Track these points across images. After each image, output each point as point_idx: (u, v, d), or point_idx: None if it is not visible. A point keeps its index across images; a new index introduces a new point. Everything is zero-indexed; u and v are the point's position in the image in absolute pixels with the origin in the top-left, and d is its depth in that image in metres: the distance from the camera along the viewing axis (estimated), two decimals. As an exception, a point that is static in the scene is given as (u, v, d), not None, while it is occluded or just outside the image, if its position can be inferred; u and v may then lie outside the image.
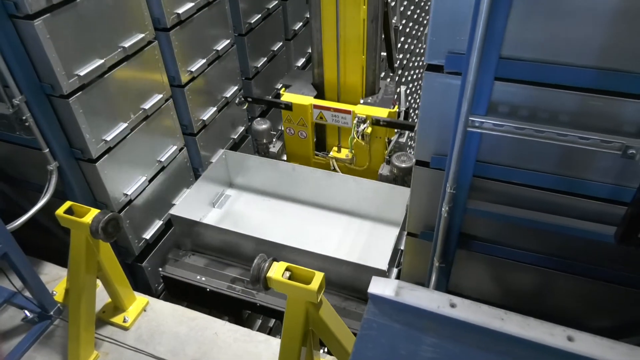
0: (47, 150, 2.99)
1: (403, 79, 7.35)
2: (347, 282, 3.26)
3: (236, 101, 4.31)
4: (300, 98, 4.04)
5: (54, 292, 3.30)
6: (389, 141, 4.01)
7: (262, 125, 4.29)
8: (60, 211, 2.64)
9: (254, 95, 4.83)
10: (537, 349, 1.39)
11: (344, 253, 3.51)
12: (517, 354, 1.40)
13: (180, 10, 3.41)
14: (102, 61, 2.96)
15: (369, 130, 3.77)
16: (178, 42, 3.49)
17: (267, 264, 2.26)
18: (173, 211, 3.62)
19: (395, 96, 4.10)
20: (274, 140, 4.44)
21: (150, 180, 3.62)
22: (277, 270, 2.24)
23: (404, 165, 3.78)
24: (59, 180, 3.12)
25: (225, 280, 3.53)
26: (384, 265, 3.02)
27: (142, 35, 3.18)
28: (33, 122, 2.87)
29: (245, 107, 4.44)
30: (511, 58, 1.79)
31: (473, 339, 1.44)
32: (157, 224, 3.82)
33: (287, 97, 4.07)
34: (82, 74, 2.85)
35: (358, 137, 3.82)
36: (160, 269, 3.69)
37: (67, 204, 2.68)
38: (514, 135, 1.84)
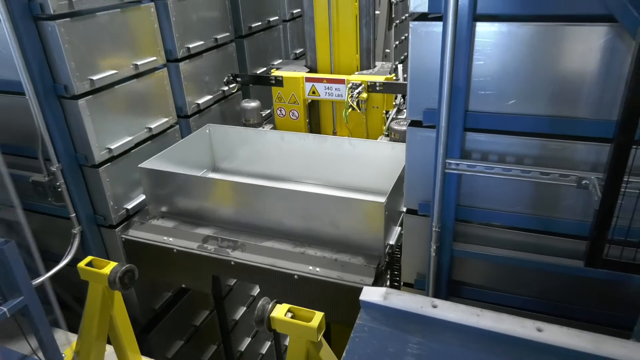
0: (74, 214, 3.30)
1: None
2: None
3: (224, 80, 4.20)
4: (291, 73, 3.94)
5: (63, 355, 3.37)
6: (387, 115, 3.82)
7: (250, 103, 4.11)
8: (82, 264, 2.85)
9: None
10: (510, 343, 1.54)
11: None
12: (492, 348, 1.54)
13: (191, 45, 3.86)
14: (130, 138, 3.40)
15: (365, 95, 3.61)
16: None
17: (270, 305, 2.41)
18: (143, 165, 3.34)
19: (393, 73, 3.96)
20: (263, 123, 4.28)
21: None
22: (280, 311, 2.39)
23: (405, 128, 3.43)
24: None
25: (196, 240, 3.16)
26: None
27: (166, 119, 3.66)
28: (65, 189, 3.22)
29: (235, 89, 4.32)
30: (476, 111, 2.14)
31: (453, 336, 1.59)
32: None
33: (277, 73, 3.98)
34: (112, 147, 3.27)
35: (353, 103, 3.60)
36: (122, 235, 3.38)
37: (88, 258, 2.90)
38: (484, 175, 2.13)
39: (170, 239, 3.20)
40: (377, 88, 3.62)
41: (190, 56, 3.89)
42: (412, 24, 2.10)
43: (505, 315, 1.58)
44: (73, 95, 3.01)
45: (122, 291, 2.84)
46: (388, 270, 2.98)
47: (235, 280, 4.63)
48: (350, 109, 3.67)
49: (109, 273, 2.79)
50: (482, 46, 2.02)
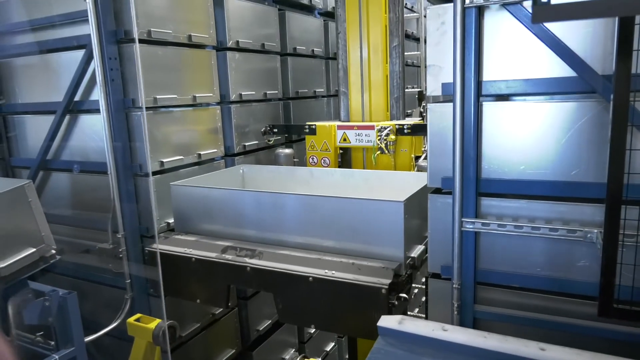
0: (129, 281, 3.64)
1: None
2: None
3: (261, 130, 4.58)
4: (324, 122, 4.39)
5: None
6: (417, 160, 3.90)
7: (285, 150, 4.50)
8: (131, 319, 3.12)
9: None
10: (516, 362, 1.64)
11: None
12: (500, 367, 1.64)
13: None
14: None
15: (393, 137, 3.79)
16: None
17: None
18: (174, 183, 3.54)
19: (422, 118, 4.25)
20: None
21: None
22: (307, 364, 2.50)
23: None
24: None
25: (215, 250, 3.20)
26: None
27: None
28: (125, 256, 3.61)
29: (271, 140, 4.64)
30: (488, 178, 2.43)
31: (462, 357, 1.71)
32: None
33: (311, 122, 4.42)
34: (170, 221, 3.71)
35: (382, 144, 3.78)
36: (145, 248, 3.50)
37: (137, 315, 3.18)
38: (497, 232, 2.34)
39: (191, 250, 3.26)
40: (405, 131, 3.85)
41: (242, 102, 4.52)
42: (429, 105, 2.53)
43: (510, 337, 1.70)
44: (146, 173, 3.56)
45: (164, 346, 3.05)
46: (409, 285, 2.86)
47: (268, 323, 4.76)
48: (378, 151, 3.85)
49: (154, 328, 3.03)
50: (488, 120, 2.38)
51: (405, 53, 5.55)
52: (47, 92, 3.94)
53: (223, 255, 3.13)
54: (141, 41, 3.49)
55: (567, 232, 2.21)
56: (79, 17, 3.51)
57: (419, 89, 7.03)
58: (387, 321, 1.90)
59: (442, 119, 2.49)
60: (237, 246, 3.17)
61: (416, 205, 2.90)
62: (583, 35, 2.15)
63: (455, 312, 2.48)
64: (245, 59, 4.56)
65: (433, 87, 2.48)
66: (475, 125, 2.38)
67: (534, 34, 2.21)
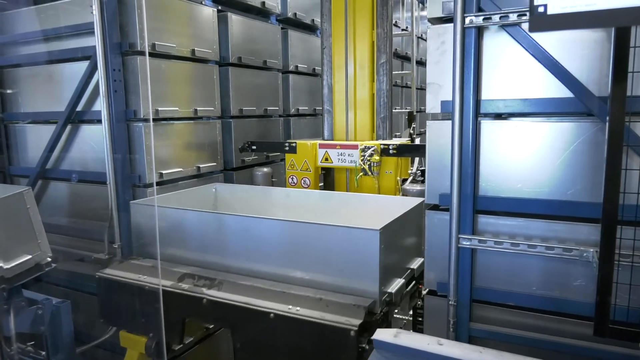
0: (124, 292, 3.61)
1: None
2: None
3: (239, 147, 4.34)
4: (305, 140, 4.13)
5: None
6: (403, 183, 3.64)
7: (262, 170, 4.25)
8: (124, 331, 3.09)
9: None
10: (512, 378, 1.63)
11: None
12: (495, 383, 1.64)
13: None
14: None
15: (377, 157, 3.56)
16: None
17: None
18: (135, 202, 3.24)
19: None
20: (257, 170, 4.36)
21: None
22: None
23: (418, 188, 3.32)
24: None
25: (172, 278, 2.84)
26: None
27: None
28: (121, 266, 3.59)
29: (250, 157, 4.45)
30: (485, 196, 2.45)
31: (458, 372, 1.70)
32: None
33: (291, 141, 4.15)
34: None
35: (365, 166, 3.53)
36: (96, 273, 3.10)
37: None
38: (493, 249, 2.34)
39: (145, 277, 2.90)
40: (391, 151, 3.61)
41: (242, 117, 4.56)
42: (428, 123, 2.56)
43: (506, 353, 1.69)
44: (145, 184, 3.57)
45: (155, 358, 3.01)
46: (385, 324, 2.52)
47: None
48: (361, 173, 3.63)
49: (146, 340, 3.00)
50: (486, 138, 2.41)
51: (395, 72, 5.64)
52: (49, 101, 3.97)
53: (179, 284, 2.80)
54: (143, 53, 3.54)
55: (563, 251, 2.22)
56: (85, 29, 3.57)
57: (409, 110, 7.02)
58: (382, 334, 1.89)
59: (440, 135, 2.52)
60: (196, 274, 2.83)
61: (397, 233, 2.66)
62: (580, 57, 2.20)
63: (451, 330, 2.47)
64: (247, 75, 4.62)
65: (432, 105, 2.52)
66: (474, 143, 2.41)
67: (531, 54, 2.26)
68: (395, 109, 6.51)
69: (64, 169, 3.96)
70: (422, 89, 7.81)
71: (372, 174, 3.61)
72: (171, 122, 3.86)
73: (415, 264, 3.00)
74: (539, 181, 2.35)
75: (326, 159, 3.94)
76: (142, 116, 3.57)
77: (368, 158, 3.57)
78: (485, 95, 2.40)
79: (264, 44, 4.85)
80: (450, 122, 2.44)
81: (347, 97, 4.21)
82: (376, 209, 3.23)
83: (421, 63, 7.83)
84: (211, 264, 2.94)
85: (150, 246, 3.16)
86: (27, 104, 4.17)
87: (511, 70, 2.35)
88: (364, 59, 4.14)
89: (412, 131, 4.25)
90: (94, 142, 3.73)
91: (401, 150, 3.66)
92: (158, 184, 3.73)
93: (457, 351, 1.74)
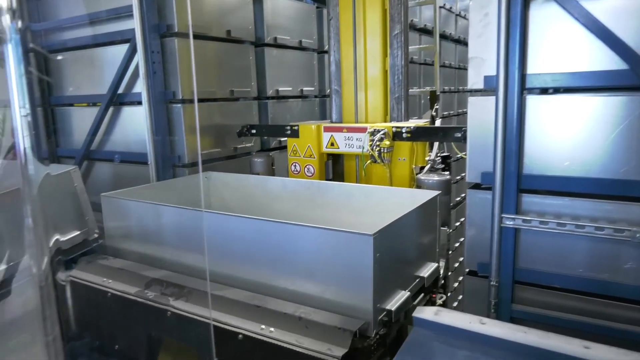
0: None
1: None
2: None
3: (237, 132, 3.98)
4: (308, 122, 3.63)
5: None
6: (420, 172, 3.08)
7: (261, 157, 3.88)
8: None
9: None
10: (557, 360, 1.58)
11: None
12: (540, 364, 1.59)
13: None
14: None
15: (387, 142, 3.03)
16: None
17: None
18: (106, 194, 2.80)
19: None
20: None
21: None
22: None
23: (436, 178, 2.83)
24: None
25: (139, 284, 2.44)
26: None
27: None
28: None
29: (251, 142, 4.12)
30: (530, 174, 2.36)
31: (500, 351, 1.66)
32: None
33: (293, 124, 3.66)
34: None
35: (374, 152, 3.00)
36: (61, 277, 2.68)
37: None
38: (538, 229, 2.27)
39: (109, 281, 2.52)
40: (404, 135, 3.06)
41: (278, 97, 4.56)
42: (470, 99, 2.48)
43: (552, 334, 1.64)
44: (184, 164, 3.64)
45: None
46: (381, 350, 1.95)
47: None
48: (370, 160, 3.11)
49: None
50: (532, 114, 2.32)
51: (412, 47, 5.15)
52: (92, 85, 4.08)
53: (145, 291, 2.38)
54: (182, 35, 3.57)
55: (613, 232, 2.13)
56: (124, 12, 3.63)
57: (430, 89, 6.42)
58: (422, 312, 1.87)
59: (483, 112, 2.44)
60: (165, 280, 2.41)
61: (401, 235, 2.19)
62: (635, 26, 2.07)
63: (492, 311, 2.42)
64: (283, 56, 4.60)
65: (474, 80, 2.44)
66: (518, 119, 2.32)
67: (582, 24, 2.14)
68: (413, 89, 6.04)
69: (107, 149, 4.07)
70: (445, 66, 7.41)
71: (382, 161, 3.10)
72: (208, 102, 3.90)
73: (427, 270, 2.45)
74: (588, 159, 2.24)
75: (332, 144, 3.45)
76: (180, 97, 3.61)
77: (377, 143, 3.05)
78: (531, 69, 2.30)
79: (299, 23, 4.81)
80: (493, 97, 2.35)
81: (356, 75, 3.65)
82: (384, 204, 2.76)
83: (445, 37, 7.38)
84: (186, 267, 2.50)
85: (122, 243, 2.80)
86: (71, 88, 4.30)
87: (559, 42, 2.23)
88: (375, 30, 3.54)
89: (434, 113, 3.61)
90: (135, 123, 3.81)
91: (417, 134, 3.09)
92: (195, 164, 3.79)
93: (500, 330, 1.70)
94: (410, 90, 3.79)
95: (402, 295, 2.14)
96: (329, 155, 3.64)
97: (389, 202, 2.73)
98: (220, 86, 3.97)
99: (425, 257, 2.53)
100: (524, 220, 2.32)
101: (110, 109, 3.96)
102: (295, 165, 3.66)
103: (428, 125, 3.22)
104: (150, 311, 2.29)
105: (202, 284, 2.30)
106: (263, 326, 1.98)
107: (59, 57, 4.32)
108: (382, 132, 3.08)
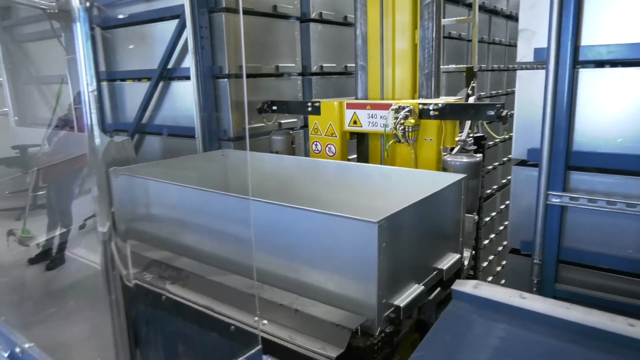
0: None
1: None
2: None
3: (257, 108, 3.80)
4: (330, 101, 3.34)
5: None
6: (449, 153, 2.84)
7: (281, 135, 3.67)
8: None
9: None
10: (599, 337, 1.55)
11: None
12: (580, 340, 1.57)
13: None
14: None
15: (412, 120, 2.78)
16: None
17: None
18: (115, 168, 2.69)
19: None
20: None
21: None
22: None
23: (464, 160, 2.61)
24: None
25: (139, 265, 2.39)
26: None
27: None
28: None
29: (272, 120, 3.81)
30: (579, 151, 2.28)
31: (540, 326, 1.65)
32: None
33: (315, 100, 3.42)
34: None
35: (397, 131, 2.79)
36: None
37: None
38: (587, 207, 2.20)
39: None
40: (431, 112, 2.80)
41: (323, 73, 4.54)
42: (518, 72, 2.41)
43: (595, 310, 1.62)
44: (229, 137, 3.73)
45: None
46: (388, 349, 1.75)
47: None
48: (394, 139, 2.89)
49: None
50: (584, 89, 2.23)
51: (447, 19, 4.77)
52: (142, 60, 4.22)
53: (143, 273, 2.33)
54: (229, 10, 3.62)
55: (668, 211, 2.04)
56: (174, -11, 3.71)
57: (468, 66, 6.01)
58: (462, 285, 1.88)
59: (531, 86, 2.37)
60: (165, 262, 2.33)
61: (415, 223, 1.94)
62: (703, -6, 1.94)
63: (535, 289, 2.39)
64: (328, 31, 4.58)
65: (524, 53, 2.36)
66: (569, 94, 2.24)
67: (644, -7, 2.03)
68: (449, 65, 5.75)
69: (156, 123, 4.23)
70: (495, 43, 7.12)
71: (407, 141, 2.84)
72: (253, 78, 3.95)
73: (447, 262, 2.15)
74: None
75: (354, 122, 3.20)
76: (227, 72, 3.68)
77: (402, 121, 2.79)
78: (585, 40, 2.20)
79: (344, -1, 4.76)
80: (543, 71, 2.28)
81: (382, 48, 3.33)
82: (403, 187, 2.51)
83: (495, 12, 7.07)
84: (189, 249, 2.39)
85: (132, 223, 2.70)
86: (122, 63, 4.46)
87: (617, 10, 2.13)
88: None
89: (470, 91, 3.33)
90: (183, 98, 3.93)
91: (445, 112, 2.79)
92: (240, 138, 3.86)
93: (541, 305, 1.69)
94: (445, 67, 3.49)
95: (415, 290, 1.88)
96: (354, 134, 3.42)
97: (409, 185, 2.49)
98: (265, 62, 4.01)
99: (446, 248, 2.24)
100: (571, 198, 2.26)
101: (160, 84, 4.10)
102: (316, 144, 3.46)
103: (459, 103, 2.95)
104: (145, 293, 2.26)
105: (200, 267, 2.24)
106: (256, 318, 1.84)
107: (110, 35, 4.49)
108: (407, 110, 2.82)
